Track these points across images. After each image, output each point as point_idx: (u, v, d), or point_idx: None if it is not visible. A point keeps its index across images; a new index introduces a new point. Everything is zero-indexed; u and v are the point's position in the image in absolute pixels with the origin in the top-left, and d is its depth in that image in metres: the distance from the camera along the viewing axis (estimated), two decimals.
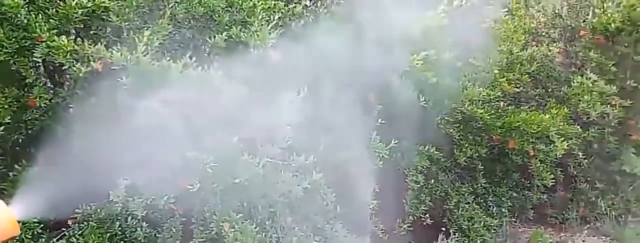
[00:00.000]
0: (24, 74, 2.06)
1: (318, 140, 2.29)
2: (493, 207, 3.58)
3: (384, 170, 2.66)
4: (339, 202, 2.45)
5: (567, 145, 3.23)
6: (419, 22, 2.54)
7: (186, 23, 2.32)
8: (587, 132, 3.71)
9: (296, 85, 2.15)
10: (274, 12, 2.32)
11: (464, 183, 3.48)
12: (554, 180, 3.42)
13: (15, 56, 2.03)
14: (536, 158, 3.34)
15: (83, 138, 1.96)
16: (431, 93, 2.79)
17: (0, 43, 1.97)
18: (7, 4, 1.94)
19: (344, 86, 2.37)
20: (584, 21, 3.87)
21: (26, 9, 2.01)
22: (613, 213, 3.94)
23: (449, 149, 3.26)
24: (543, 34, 4.02)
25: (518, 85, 3.42)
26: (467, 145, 3.26)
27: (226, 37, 2.17)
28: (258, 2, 2.24)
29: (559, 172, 3.62)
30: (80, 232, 2.19)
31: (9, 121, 2.06)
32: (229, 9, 2.31)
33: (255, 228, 2.16)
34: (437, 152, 3.07)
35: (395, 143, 2.59)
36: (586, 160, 3.71)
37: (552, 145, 3.26)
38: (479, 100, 3.10)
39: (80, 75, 1.90)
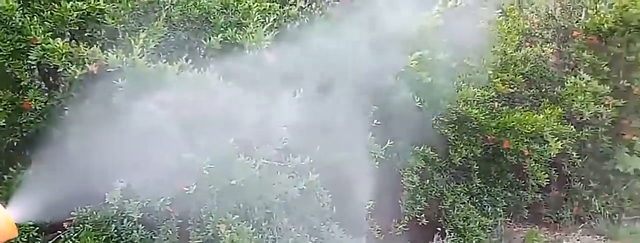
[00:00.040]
0: (19, 76, 2.05)
1: (314, 141, 2.29)
2: (488, 207, 3.60)
3: (379, 170, 2.66)
4: (335, 203, 2.46)
5: (561, 145, 3.26)
6: (414, 23, 2.55)
7: (181, 25, 2.32)
8: (580, 132, 3.74)
9: (292, 87, 2.15)
10: (269, 14, 2.32)
11: (459, 183, 3.50)
12: (548, 180, 3.44)
13: (10, 59, 2.03)
14: (530, 158, 3.36)
15: (78, 140, 1.95)
16: (426, 93, 2.80)
17: None
18: (2, 6, 1.94)
19: (339, 87, 2.38)
20: (577, 22, 3.91)
21: (21, 11, 2.00)
22: (607, 212, 3.97)
23: (444, 149, 3.28)
24: (536, 34, 4.05)
25: (512, 86, 3.44)
26: (462, 145, 3.27)
27: (221, 39, 2.17)
28: (253, 4, 2.24)
29: (553, 172, 3.64)
30: (76, 234, 2.19)
31: (4, 124, 2.06)
32: (224, 10, 2.31)
33: (251, 229, 2.16)
34: (432, 153, 3.08)
35: (391, 144, 2.59)
36: (580, 160, 3.73)
37: (546, 145, 3.29)
38: (474, 101, 3.12)
39: (76, 77, 1.90)
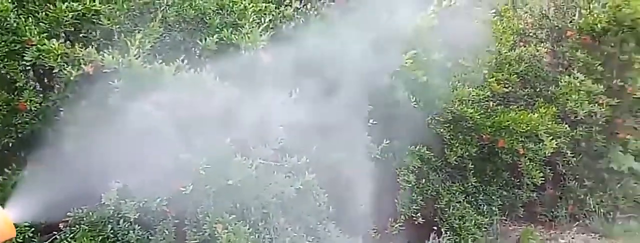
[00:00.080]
0: (14, 77, 2.05)
1: (310, 141, 2.30)
2: (484, 206, 3.61)
3: (375, 170, 2.67)
4: (332, 202, 2.46)
5: (555, 144, 3.28)
6: (409, 23, 2.56)
7: (177, 26, 2.32)
8: (575, 131, 3.76)
9: (288, 87, 2.16)
10: (265, 14, 2.32)
11: (454, 182, 3.51)
12: (543, 179, 3.46)
13: (5, 60, 2.03)
14: (525, 157, 3.38)
15: (74, 141, 1.96)
16: (422, 93, 2.81)
17: None
18: None
19: (335, 87, 2.38)
20: (570, 22, 3.93)
21: (15, 12, 2.00)
22: (601, 210, 3.99)
23: (440, 149, 3.29)
24: (531, 34, 4.07)
25: (507, 85, 3.46)
26: (457, 144, 3.29)
27: (217, 40, 2.17)
28: (249, 4, 2.24)
29: (548, 171, 3.66)
30: (71, 235, 2.18)
31: None
32: (220, 11, 2.31)
33: (248, 229, 2.16)
34: (428, 152, 3.09)
35: (387, 144, 2.60)
36: (574, 159, 3.76)
37: (541, 144, 3.31)
38: (469, 100, 3.13)
39: (72, 78, 1.89)
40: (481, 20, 2.83)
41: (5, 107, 2.10)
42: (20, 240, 2.08)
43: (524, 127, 3.26)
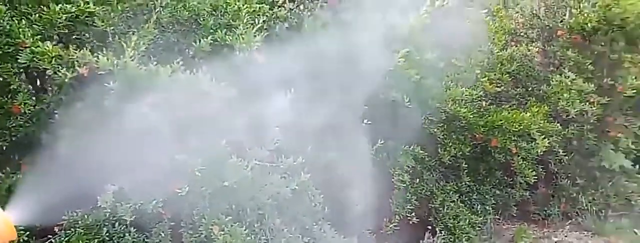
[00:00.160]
0: (8, 80, 2.04)
1: (305, 142, 2.31)
2: (477, 205, 3.63)
3: (370, 170, 2.68)
4: (327, 203, 2.47)
5: (547, 143, 3.30)
6: (402, 23, 2.58)
7: (170, 27, 2.32)
8: (566, 130, 3.79)
9: (281, 87, 2.16)
10: (259, 15, 2.33)
11: (448, 181, 3.53)
12: (535, 177, 3.48)
13: None
14: (518, 156, 3.40)
15: (69, 144, 1.95)
16: (415, 93, 2.83)
17: None
18: None
19: (329, 88, 2.39)
20: (561, 21, 3.96)
21: (9, 14, 1.99)
22: (593, 208, 4.01)
23: (434, 148, 3.30)
24: (522, 34, 4.09)
25: (499, 85, 3.48)
26: (451, 144, 3.30)
27: (211, 41, 2.17)
28: (243, 5, 2.25)
29: (541, 169, 3.68)
30: (67, 238, 2.17)
31: None
32: (214, 12, 2.31)
33: (244, 230, 2.16)
34: (422, 152, 3.10)
35: (382, 144, 2.62)
36: (566, 157, 3.79)
37: (533, 142, 3.33)
38: (462, 100, 3.15)
39: (66, 80, 1.89)
40: (473, 20, 2.85)
41: None
42: None
43: (517, 126, 3.28)
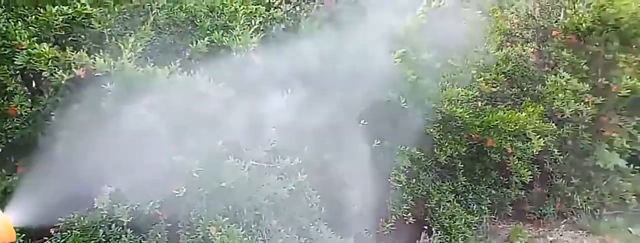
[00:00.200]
0: (4, 82, 2.03)
1: (302, 142, 2.31)
2: (473, 205, 3.64)
3: (366, 170, 2.69)
4: (323, 203, 2.47)
5: (543, 143, 3.32)
6: (399, 24, 2.58)
7: (167, 29, 2.32)
8: (561, 129, 3.81)
9: (278, 88, 2.17)
10: (255, 16, 2.33)
11: (444, 182, 3.54)
12: (531, 177, 3.50)
13: None
14: (514, 156, 3.41)
15: (66, 145, 1.95)
16: (411, 93, 2.83)
17: None
18: None
19: (325, 88, 2.40)
20: (556, 22, 3.98)
21: (5, 16, 1.99)
22: (588, 207, 4.03)
23: (430, 149, 3.31)
24: (517, 34, 4.11)
25: (495, 85, 3.49)
26: (447, 144, 3.31)
27: (208, 42, 2.17)
28: (239, 7, 2.25)
29: (536, 169, 3.70)
30: (63, 240, 2.17)
31: None
32: (210, 14, 2.31)
33: (241, 231, 2.17)
34: (418, 152, 3.11)
35: (378, 144, 2.62)
36: (562, 157, 3.81)
37: (529, 142, 3.35)
38: (458, 100, 3.16)
39: (63, 82, 1.88)
40: (469, 21, 2.86)
41: None
42: None
43: (512, 126, 3.30)
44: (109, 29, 2.04)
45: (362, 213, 2.78)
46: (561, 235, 3.94)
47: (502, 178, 3.80)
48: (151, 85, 1.85)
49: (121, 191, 1.95)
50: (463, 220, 3.43)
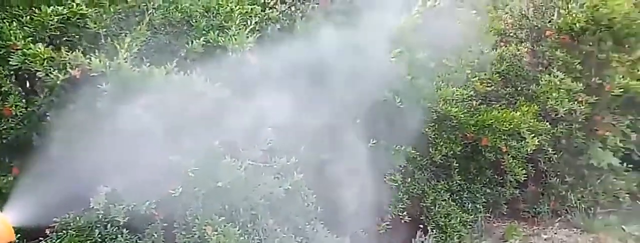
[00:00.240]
0: None
1: (297, 142, 2.32)
2: (468, 204, 3.66)
3: (362, 169, 2.70)
4: (320, 203, 2.48)
5: (537, 141, 3.34)
6: (394, 24, 2.59)
7: (163, 29, 2.32)
8: (555, 128, 3.83)
9: (274, 88, 2.17)
10: (251, 16, 2.33)
11: (439, 180, 3.55)
12: (525, 175, 3.52)
13: None
14: (508, 155, 3.43)
15: (61, 146, 1.95)
16: (406, 93, 2.85)
17: None
18: None
19: (321, 88, 2.40)
20: (549, 22, 4.00)
21: None
22: (582, 206, 4.05)
23: (425, 148, 3.33)
24: (511, 34, 4.13)
25: (489, 84, 3.51)
26: (442, 143, 3.33)
27: (204, 42, 2.17)
28: (235, 7, 2.25)
29: (530, 168, 3.72)
30: (58, 240, 2.16)
31: None
32: (206, 14, 2.32)
33: (238, 230, 2.17)
34: (413, 151, 3.12)
35: (374, 143, 2.63)
36: (556, 155, 3.83)
37: (523, 141, 3.37)
38: (453, 100, 3.17)
39: (58, 82, 1.88)
40: (464, 21, 2.87)
41: None
42: None
43: (507, 125, 3.32)
44: (104, 29, 2.04)
45: (358, 213, 2.78)
46: (555, 233, 3.96)
47: (496, 177, 3.82)
48: (147, 85, 1.85)
49: (117, 191, 1.95)
50: (458, 218, 3.44)
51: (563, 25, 3.86)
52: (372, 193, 2.90)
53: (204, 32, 2.25)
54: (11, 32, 1.94)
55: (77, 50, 1.96)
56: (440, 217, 3.40)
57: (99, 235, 2.20)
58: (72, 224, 2.15)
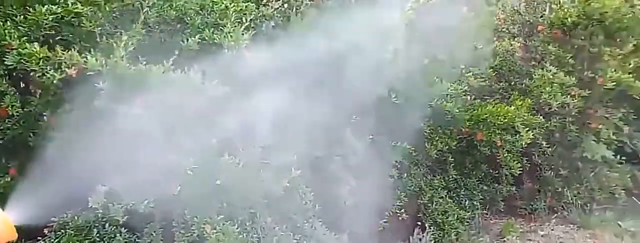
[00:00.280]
0: None
1: (294, 139, 2.32)
2: (465, 201, 3.67)
3: (358, 166, 2.70)
4: (317, 200, 2.48)
5: (531, 135, 3.36)
6: (387, 20, 2.60)
7: (157, 27, 2.31)
8: (549, 122, 3.86)
9: (271, 85, 2.17)
10: (245, 14, 2.33)
11: (435, 176, 3.56)
12: (521, 170, 3.54)
13: None
14: (503, 149, 3.45)
15: (58, 145, 1.94)
16: (401, 89, 2.86)
17: None
18: None
19: (317, 85, 2.41)
20: (541, 16, 4.03)
21: None
22: (578, 202, 4.07)
23: (421, 143, 3.33)
24: (503, 29, 4.16)
25: (483, 79, 3.53)
26: (437, 138, 3.34)
27: (199, 40, 2.17)
28: (230, 4, 2.25)
29: (525, 162, 3.74)
30: (57, 240, 2.16)
31: None
32: (201, 11, 2.31)
33: (236, 229, 2.17)
34: (409, 147, 3.13)
35: (370, 139, 2.64)
36: (550, 149, 3.85)
37: (517, 135, 3.39)
38: (447, 95, 3.19)
39: (54, 82, 1.87)
40: (457, 16, 2.89)
41: None
42: None
43: (501, 120, 3.34)
44: (99, 28, 2.04)
45: (356, 210, 2.79)
46: (552, 230, 3.98)
47: (492, 171, 3.83)
48: (144, 84, 1.85)
49: (115, 190, 1.94)
50: (455, 215, 3.45)
51: (555, 20, 3.89)
52: (370, 191, 2.91)
53: (199, 29, 2.25)
54: (6, 31, 1.93)
55: (72, 49, 1.96)
56: (438, 214, 3.40)
57: (98, 235, 2.20)
58: (70, 224, 2.14)
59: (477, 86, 3.43)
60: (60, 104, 2.09)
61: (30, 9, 2.00)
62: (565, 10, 3.85)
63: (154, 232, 2.23)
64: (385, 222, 3.11)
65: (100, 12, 2.02)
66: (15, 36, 1.93)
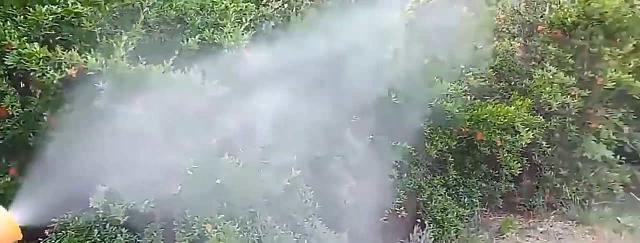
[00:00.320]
0: None
1: (294, 139, 2.32)
2: (464, 198, 3.68)
3: (359, 165, 2.71)
4: (317, 199, 2.49)
5: (531, 135, 3.37)
6: (387, 20, 2.60)
7: (157, 27, 2.31)
8: (549, 122, 3.87)
9: (271, 85, 2.18)
10: (245, 14, 2.33)
11: (435, 175, 3.57)
12: (520, 169, 3.55)
13: None
14: (503, 149, 3.46)
15: (58, 145, 1.94)
16: (401, 89, 2.86)
17: None
18: None
19: (317, 85, 2.41)
20: (541, 17, 4.03)
21: None
22: (577, 198, 4.09)
23: (421, 143, 3.34)
24: (503, 29, 4.16)
25: (483, 79, 3.53)
26: (437, 138, 3.35)
27: (199, 40, 2.17)
28: (230, 4, 2.25)
29: (525, 161, 3.75)
30: (57, 240, 2.16)
31: None
32: (201, 11, 2.31)
33: (237, 228, 2.18)
34: (409, 147, 3.14)
35: (370, 139, 2.64)
36: (550, 149, 3.86)
37: (517, 135, 3.40)
38: (447, 95, 3.19)
39: (54, 82, 1.88)
40: (457, 16, 2.89)
41: None
42: None
43: (501, 120, 3.34)
44: (99, 28, 2.04)
45: (355, 209, 2.79)
46: (551, 226, 4.00)
47: (492, 171, 3.84)
48: (144, 84, 1.85)
49: (116, 190, 1.95)
50: (455, 213, 3.46)
51: (555, 20, 3.90)
52: (370, 189, 2.92)
53: (199, 29, 2.25)
54: (6, 31, 1.93)
55: (72, 49, 1.96)
56: (437, 212, 3.41)
57: (98, 235, 2.20)
58: (71, 224, 2.14)
59: (477, 86, 3.43)
60: (60, 104, 2.09)
61: (30, 9, 2.00)
62: (565, 10, 3.86)
63: (155, 231, 2.24)
64: (385, 220, 3.12)
65: (100, 12, 2.02)
66: (15, 36, 1.93)
